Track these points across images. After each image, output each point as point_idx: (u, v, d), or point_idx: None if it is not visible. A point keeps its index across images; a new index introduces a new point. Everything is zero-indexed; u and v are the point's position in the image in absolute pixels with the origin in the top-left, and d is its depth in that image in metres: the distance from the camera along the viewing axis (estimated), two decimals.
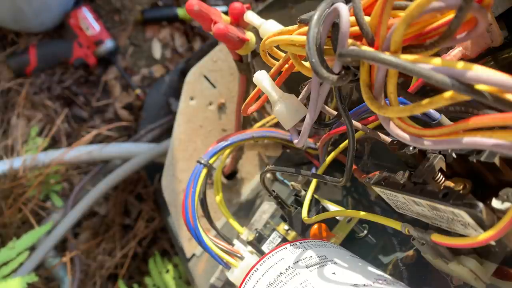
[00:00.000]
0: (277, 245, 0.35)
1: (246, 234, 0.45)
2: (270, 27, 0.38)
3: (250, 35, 0.43)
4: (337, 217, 0.41)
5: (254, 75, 0.30)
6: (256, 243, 0.42)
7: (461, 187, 0.25)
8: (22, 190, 0.87)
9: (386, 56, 0.20)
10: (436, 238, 0.24)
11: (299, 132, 0.30)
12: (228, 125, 0.64)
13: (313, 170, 0.49)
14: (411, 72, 0.19)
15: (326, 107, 0.32)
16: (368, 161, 0.44)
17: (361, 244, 0.39)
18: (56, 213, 0.92)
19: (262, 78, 0.30)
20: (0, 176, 0.85)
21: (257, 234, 0.42)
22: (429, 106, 0.21)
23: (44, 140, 0.96)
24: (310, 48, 0.22)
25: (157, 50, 1.10)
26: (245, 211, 0.60)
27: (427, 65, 0.20)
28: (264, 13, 0.57)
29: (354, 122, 0.33)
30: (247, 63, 0.48)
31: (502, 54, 0.34)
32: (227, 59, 0.63)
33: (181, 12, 1.08)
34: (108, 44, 1.04)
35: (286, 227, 0.44)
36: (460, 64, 0.19)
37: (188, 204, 0.41)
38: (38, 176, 0.87)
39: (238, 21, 0.43)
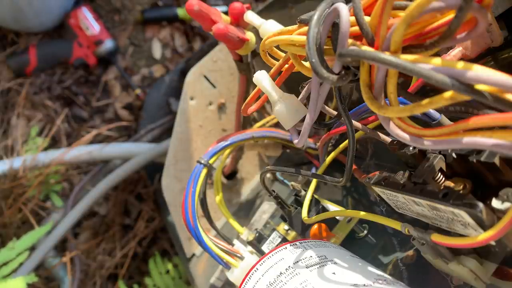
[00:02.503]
0: (277, 245, 0.35)
1: (246, 234, 0.45)
2: (270, 27, 0.38)
3: (250, 35, 0.43)
4: (337, 217, 0.41)
5: (254, 75, 0.30)
6: (256, 243, 0.42)
7: (461, 187, 0.25)
8: (22, 190, 0.87)
9: (386, 56, 0.20)
10: (436, 238, 0.24)
11: (299, 132, 0.30)
12: (228, 125, 0.64)
13: (313, 170, 0.49)
14: (411, 72, 0.19)
15: (326, 107, 0.32)
16: (368, 162, 0.44)
17: (361, 244, 0.39)
18: (56, 213, 0.92)
19: (262, 78, 0.30)
20: (0, 176, 0.85)
21: (257, 234, 0.42)
22: (429, 106, 0.21)
23: (44, 140, 0.96)
24: (310, 48, 0.22)
25: (157, 50, 1.10)
26: (245, 211, 0.60)
27: (427, 65, 0.20)
28: (264, 13, 0.57)
29: (354, 122, 0.33)
30: (247, 63, 0.48)
31: (502, 54, 0.34)
32: (227, 59, 0.63)
33: (181, 12, 1.08)
34: (108, 44, 1.04)
35: (286, 227, 0.44)
36: (460, 64, 0.19)
37: (188, 204, 0.41)
38: (38, 176, 0.87)
39: (238, 21, 0.43)
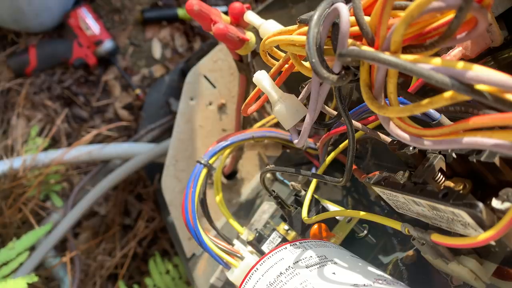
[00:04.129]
0: (277, 245, 0.35)
1: (246, 234, 0.45)
2: (270, 27, 0.38)
3: (250, 35, 0.43)
4: (337, 217, 0.41)
5: (254, 75, 0.30)
6: (256, 243, 0.42)
7: (461, 187, 0.25)
8: (22, 190, 0.87)
9: (386, 56, 0.20)
10: (436, 238, 0.24)
11: (299, 132, 0.30)
12: (228, 125, 0.64)
13: (313, 170, 0.49)
14: (411, 72, 0.19)
15: (326, 107, 0.32)
16: (368, 161, 0.44)
17: (361, 244, 0.39)
18: (56, 213, 0.92)
19: (262, 78, 0.30)
20: (0, 176, 0.85)
21: (257, 234, 0.42)
22: (429, 106, 0.21)
23: (44, 140, 0.96)
24: (310, 48, 0.22)
25: (157, 50, 1.10)
26: (245, 211, 0.60)
27: (427, 65, 0.20)
28: (264, 13, 0.57)
29: (354, 122, 0.33)
30: (247, 63, 0.48)
31: (502, 54, 0.34)
32: (227, 59, 0.63)
33: (181, 12, 1.08)
34: (107, 44, 1.04)
35: (286, 227, 0.44)
36: (460, 64, 0.19)
37: (188, 204, 0.41)
38: (38, 176, 0.87)
39: (238, 21, 0.43)
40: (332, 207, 0.42)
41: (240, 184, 0.64)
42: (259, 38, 0.39)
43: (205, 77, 0.63)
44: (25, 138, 1.00)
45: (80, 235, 0.99)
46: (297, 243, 0.32)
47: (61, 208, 0.93)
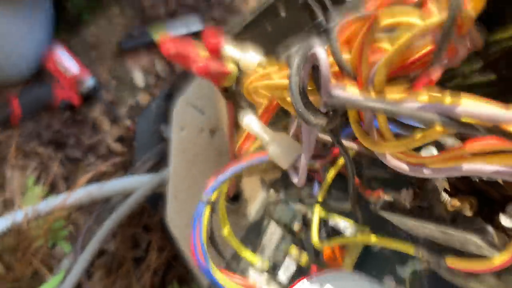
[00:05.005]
0: (293, 273, 0.35)
1: (260, 264, 0.45)
2: (250, 59, 0.38)
3: (231, 66, 0.42)
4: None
5: (243, 121, 0.30)
6: (272, 271, 0.42)
7: (467, 205, 0.24)
8: (28, 243, 0.86)
9: (370, 103, 0.19)
10: (452, 262, 0.24)
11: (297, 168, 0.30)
12: (223, 147, 0.63)
13: (316, 187, 0.49)
14: (399, 114, 0.19)
15: (320, 135, 0.31)
16: (368, 172, 0.44)
17: (377, 257, 0.39)
18: (66, 259, 0.91)
19: (250, 122, 0.30)
20: (4, 233, 0.84)
21: (271, 263, 0.42)
22: (423, 140, 0.21)
23: (42, 188, 0.95)
24: (295, 98, 0.22)
25: (139, 79, 1.09)
26: (254, 233, 0.59)
27: (414, 104, 0.19)
28: (240, 36, 0.56)
29: (349, 143, 0.33)
30: (233, 91, 0.47)
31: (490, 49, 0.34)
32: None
33: (156, 36, 1.07)
34: (89, 82, 1.03)
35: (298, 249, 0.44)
36: (448, 99, 0.19)
37: (197, 246, 0.40)
38: (42, 226, 0.87)
39: (217, 53, 0.43)
40: (342, 222, 0.42)
41: (246, 204, 0.64)
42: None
43: (192, 105, 0.62)
44: (22, 189, 0.99)
45: (94, 275, 0.99)
46: (314, 277, 0.32)
47: (70, 253, 0.92)
